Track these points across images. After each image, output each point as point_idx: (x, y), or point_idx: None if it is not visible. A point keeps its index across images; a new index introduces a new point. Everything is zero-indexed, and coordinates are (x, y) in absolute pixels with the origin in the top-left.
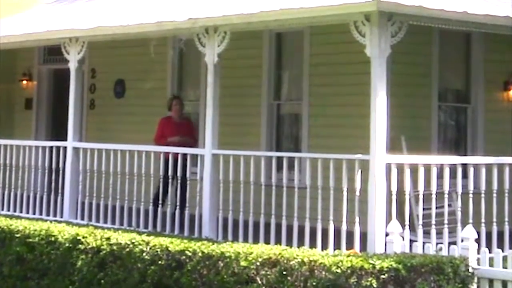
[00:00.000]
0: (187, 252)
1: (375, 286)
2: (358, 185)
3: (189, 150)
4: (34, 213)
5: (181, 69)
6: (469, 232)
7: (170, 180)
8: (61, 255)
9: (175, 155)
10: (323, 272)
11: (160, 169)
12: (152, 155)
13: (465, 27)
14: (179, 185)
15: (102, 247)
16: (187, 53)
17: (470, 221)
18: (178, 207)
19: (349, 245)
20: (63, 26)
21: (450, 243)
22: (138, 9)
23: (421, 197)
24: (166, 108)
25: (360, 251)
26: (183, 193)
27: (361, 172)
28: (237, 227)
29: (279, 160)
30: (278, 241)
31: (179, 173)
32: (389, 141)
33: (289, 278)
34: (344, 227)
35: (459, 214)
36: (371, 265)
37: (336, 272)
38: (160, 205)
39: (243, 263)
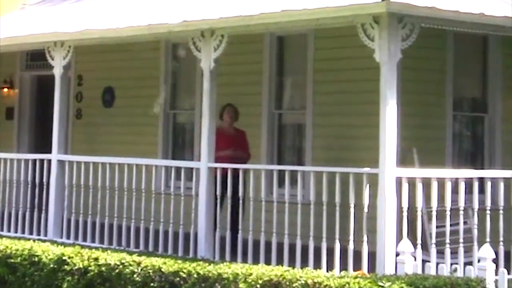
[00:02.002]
0: (181, 273)
1: None
2: (366, 201)
3: (184, 163)
4: (16, 232)
5: (175, 76)
6: (486, 251)
7: (218, 200)
8: (45, 277)
9: (224, 171)
10: None
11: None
12: (143, 168)
13: (482, 29)
14: (229, 205)
15: (89, 268)
16: (182, 58)
17: (487, 239)
18: (229, 229)
19: (357, 266)
20: (48, 29)
21: (465, 264)
22: (129, 11)
23: (434, 213)
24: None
25: (368, 272)
26: (234, 214)
27: (370, 187)
28: (235, 247)
29: (281, 174)
30: (279, 262)
31: (228, 192)
32: (399, 153)
33: None
34: (351, 246)
35: (475, 232)
36: None
37: None
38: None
39: (242, 286)
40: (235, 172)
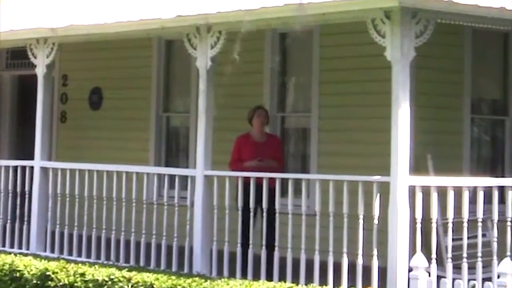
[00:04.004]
0: None
1: None
2: (376, 211)
3: (179, 171)
4: None
5: (168, 76)
6: (506, 266)
7: (252, 214)
8: None
9: (258, 181)
10: None
11: (238, 199)
12: (134, 176)
13: (503, 25)
14: (264, 220)
15: (75, 284)
16: (176, 56)
17: (508, 253)
18: (264, 247)
19: (366, 282)
20: (30, 24)
21: (484, 280)
22: (118, 6)
23: (450, 225)
24: (247, 121)
25: None
26: (270, 229)
27: (380, 196)
28: (234, 261)
29: (284, 182)
30: (282, 278)
31: (264, 204)
32: (413, 160)
33: None
34: (360, 261)
35: (495, 245)
36: None
37: None
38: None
39: None
40: (259, 182)
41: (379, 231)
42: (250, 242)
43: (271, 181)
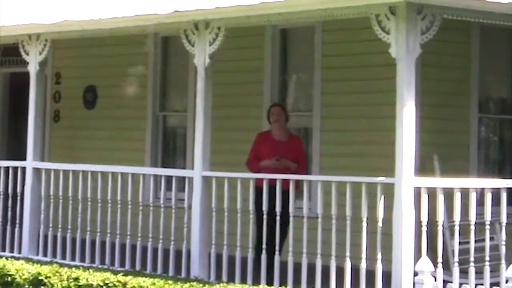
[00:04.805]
0: None
1: None
2: (380, 214)
3: (176, 172)
4: None
5: (165, 74)
6: None
7: (265, 216)
8: None
9: (271, 182)
10: None
11: (251, 201)
12: (130, 177)
13: None
14: (278, 223)
15: None
16: (173, 53)
17: None
18: (277, 251)
19: (370, 287)
20: (21, 20)
21: (492, 285)
22: (113, 0)
23: (457, 228)
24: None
25: None
26: (282, 234)
27: (384, 198)
28: (233, 265)
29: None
30: (283, 283)
31: (277, 208)
32: (418, 161)
33: None
34: (363, 265)
35: (503, 249)
36: None
37: None
38: (263, 250)
39: None
40: (273, 183)
41: (383, 234)
42: (263, 246)
43: (284, 183)
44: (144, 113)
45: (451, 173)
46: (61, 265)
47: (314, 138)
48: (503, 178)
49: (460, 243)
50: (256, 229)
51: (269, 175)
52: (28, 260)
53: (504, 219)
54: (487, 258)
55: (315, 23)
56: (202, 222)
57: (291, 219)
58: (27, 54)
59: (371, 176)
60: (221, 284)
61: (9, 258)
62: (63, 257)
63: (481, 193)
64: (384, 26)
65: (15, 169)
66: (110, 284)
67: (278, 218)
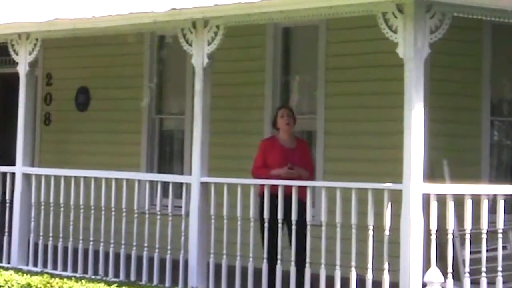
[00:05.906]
0: None
1: None
2: (387, 221)
3: (173, 178)
4: None
5: (162, 74)
6: None
7: (280, 225)
8: None
9: (273, 190)
10: None
11: (264, 210)
12: (124, 183)
13: None
14: (294, 233)
15: None
16: (169, 53)
17: None
18: (293, 264)
19: None
20: (10, 18)
21: None
22: None
23: (468, 237)
24: (271, 124)
25: None
26: (299, 244)
27: (392, 205)
28: (233, 276)
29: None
30: None
31: (293, 216)
32: (427, 166)
33: None
34: (369, 276)
35: None
36: None
37: None
38: (278, 261)
39: None
40: (288, 191)
41: (391, 243)
42: (279, 257)
43: (300, 191)
44: (139, 116)
45: (462, 179)
46: (52, 275)
47: (318, 142)
48: None
49: (471, 252)
50: (268, 238)
51: (284, 182)
52: (17, 270)
53: None
54: (500, 268)
55: (319, 22)
56: (200, 230)
57: (308, 227)
58: (17, 54)
59: (378, 182)
60: None
61: None
62: (54, 267)
63: (493, 200)
64: (391, 24)
65: (4, 174)
66: None
67: (294, 227)
